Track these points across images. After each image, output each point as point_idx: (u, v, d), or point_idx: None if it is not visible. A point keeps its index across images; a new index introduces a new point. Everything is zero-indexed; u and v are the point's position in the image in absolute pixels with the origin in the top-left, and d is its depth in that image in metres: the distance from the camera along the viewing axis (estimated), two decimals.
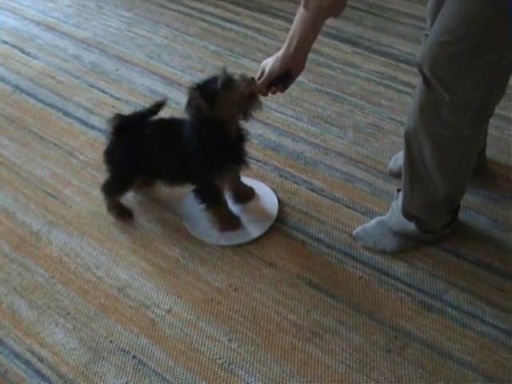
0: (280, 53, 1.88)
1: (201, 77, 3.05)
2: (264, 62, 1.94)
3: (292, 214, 2.35)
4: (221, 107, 1.94)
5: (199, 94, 1.92)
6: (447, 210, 2.11)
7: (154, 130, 2.19)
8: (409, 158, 1.97)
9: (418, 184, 2.01)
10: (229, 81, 1.94)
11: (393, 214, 2.17)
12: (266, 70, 1.91)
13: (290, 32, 1.84)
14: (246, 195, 2.40)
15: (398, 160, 2.42)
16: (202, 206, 2.25)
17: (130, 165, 2.23)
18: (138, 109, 2.27)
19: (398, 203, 2.14)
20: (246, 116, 1.99)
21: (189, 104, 1.96)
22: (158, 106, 2.21)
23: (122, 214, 2.39)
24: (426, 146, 1.88)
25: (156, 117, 2.22)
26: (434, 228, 2.14)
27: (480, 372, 1.85)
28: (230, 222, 2.29)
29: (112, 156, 2.27)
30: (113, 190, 2.34)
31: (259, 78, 1.93)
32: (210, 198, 2.24)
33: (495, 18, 1.56)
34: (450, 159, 1.90)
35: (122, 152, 2.22)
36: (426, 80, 1.76)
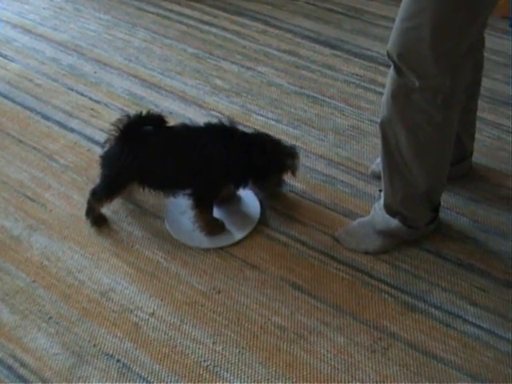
0: None
1: (180, 79, 3.07)
2: None
3: (274, 216, 2.35)
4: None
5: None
6: (428, 206, 2.13)
7: (161, 135, 2.21)
8: (386, 149, 2.00)
9: (396, 175, 2.03)
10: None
11: (375, 213, 2.18)
12: None
13: None
14: (230, 197, 2.42)
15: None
16: (192, 212, 2.25)
17: (127, 170, 2.20)
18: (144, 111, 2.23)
19: (380, 203, 2.16)
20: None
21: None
22: (162, 119, 2.23)
23: (99, 221, 2.36)
24: (401, 134, 1.90)
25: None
26: (418, 224, 2.16)
27: (464, 371, 1.86)
28: (216, 227, 2.30)
29: (111, 160, 2.24)
30: (104, 195, 2.30)
31: None
32: (205, 204, 2.26)
33: (451, 3, 1.63)
34: (426, 146, 1.93)
35: (122, 157, 2.17)
36: (396, 67, 1.81)
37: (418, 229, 2.17)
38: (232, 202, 2.41)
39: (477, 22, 1.72)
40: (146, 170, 2.20)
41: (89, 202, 2.33)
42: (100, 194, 2.30)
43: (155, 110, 2.84)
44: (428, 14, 1.65)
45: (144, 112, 2.19)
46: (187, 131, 2.23)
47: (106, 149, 2.25)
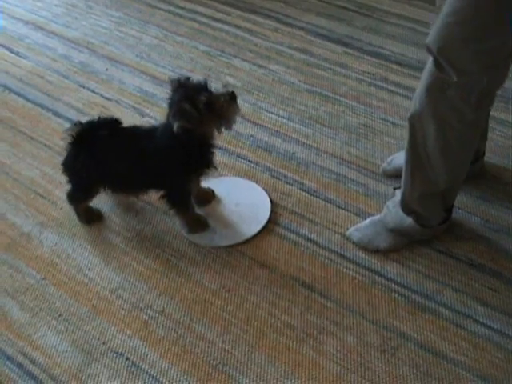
0: None
1: (191, 77, 3.07)
2: None
3: (284, 214, 2.35)
4: (207, 119, 2.00)
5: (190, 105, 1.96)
6: (443, 206, 2.12)
7: (116, 138, 2.17)
8: (411, 143, 1.98)
9: (418, 171, 2.02)
10: (211, 95, 2.01)
11: (388, 211, 2.16)
12: None
13: None
14: (207, 197, 2.41)
15: (393, 161, 2.42)
16: (172, 211, 2.25)
17: (87, 175, 2.20)
18: (94, 117, 2.21)
19: (394, 201, 2.15)
20: (229, 126, 2.07)
21: (180, 114, 1.97)
22: (116, 122, 2.18)
23: (92, 218, 2.37)
24: (430, 130, 1.89)
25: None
26: (431, 223, 2.15)
27: (474, 372, 1.85)
28: (198, 224, 2.30)
29: (69, 167, 2.24)
30: (77, 198, 2.32)
31: None
32: (181, 203, 2.25)
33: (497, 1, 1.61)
34: (453, 144, 1.91)
35: (78, 163, 2.18)
36: (435, 61, 1.78)
37: (431, 228, 2.15)
38: (210, 202, 2.41)
39: None
40: (104, 173, 2.20)
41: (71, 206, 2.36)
42: (74, 198, 2.32)
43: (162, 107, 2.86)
44: (473, 11, 1.64)
45: (96, 118, 2.18)
46: (137, 133, 2.20)
47: (64, 156, 2.23)
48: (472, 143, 2.00)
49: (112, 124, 2.18)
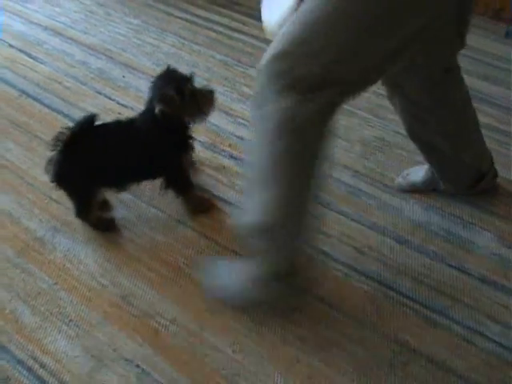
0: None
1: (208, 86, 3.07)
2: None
3: None
4: (187, 108, 2.15)
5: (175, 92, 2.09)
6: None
7: (104, 137, 2.19)
8: None
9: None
10: (195, 87, 2.17)
11: None
12: None
13: None
14: (205, 205, 2.45)
15: (408, 176, 2.42)
16: (175, 194, 2.32)
17: (84, 180, 2.20)
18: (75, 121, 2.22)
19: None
20: (203, 119, 2.25)
21: (164, 99, 2.08)
22: (92, 118, 2.16)
23: (107, 226, 2.37)
24: None
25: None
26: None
27: None
28: (203, 203, 2.39)
29: (61, 180, 2.21)
30: (82, 211, 2.31)
31: None
32: (183, 182, 2.31)
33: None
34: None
35: (74, 168, 2.17)
36: None
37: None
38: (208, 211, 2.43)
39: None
40: (99, 173, 2.20)
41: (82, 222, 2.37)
42: (81, 212, 2.31)
43: None
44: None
45: (74, 127, 2.16)
46: (119, 125, 2.23)
47: (51, 172, 2.20)
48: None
49: (89, 121, 2.16)
